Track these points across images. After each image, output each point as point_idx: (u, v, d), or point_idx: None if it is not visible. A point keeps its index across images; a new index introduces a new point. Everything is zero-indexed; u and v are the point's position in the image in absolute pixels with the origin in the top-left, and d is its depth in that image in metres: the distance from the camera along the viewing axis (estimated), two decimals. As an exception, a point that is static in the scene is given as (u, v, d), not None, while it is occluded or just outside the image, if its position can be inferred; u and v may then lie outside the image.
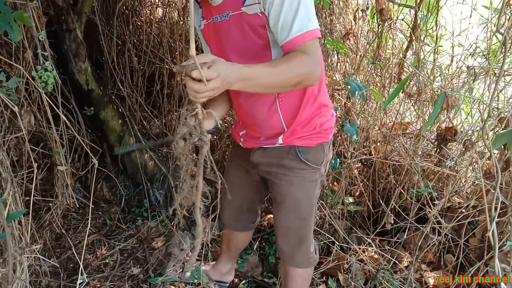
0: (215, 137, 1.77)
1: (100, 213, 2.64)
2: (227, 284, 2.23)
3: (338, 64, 2.81)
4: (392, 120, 2.85)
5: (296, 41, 1.18)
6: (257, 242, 2.53)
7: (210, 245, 2.55)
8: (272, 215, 2.76)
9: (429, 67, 2.44)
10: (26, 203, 1.70)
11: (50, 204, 2.13)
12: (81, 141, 1.50)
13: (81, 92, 2.37)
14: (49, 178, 2.32)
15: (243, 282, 2.27)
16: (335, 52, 2.70)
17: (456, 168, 2.46)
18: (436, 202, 2.02)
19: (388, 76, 2.60)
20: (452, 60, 2.37)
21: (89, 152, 1.46)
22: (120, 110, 2.63)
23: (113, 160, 2.76)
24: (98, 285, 2.08)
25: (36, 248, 1.55)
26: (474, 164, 2.38)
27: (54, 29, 2.08)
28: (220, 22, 1.35)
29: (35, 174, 1.40)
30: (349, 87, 2.29)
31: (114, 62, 2.58)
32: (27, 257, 1.47)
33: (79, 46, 2.15)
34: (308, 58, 1.17)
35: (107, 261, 2.26)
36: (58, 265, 2.01)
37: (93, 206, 2.55)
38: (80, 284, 1.91)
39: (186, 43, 2.64)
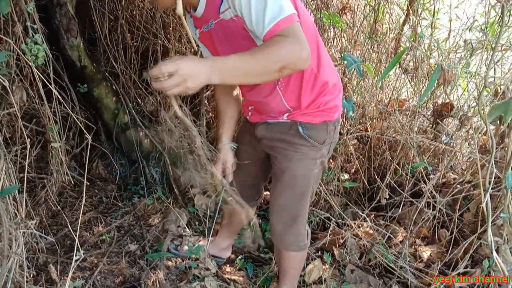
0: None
1: (96, 190, 2.64)
2: (224, 260, 2.25)
3: (335, 39, 2.78)
4: (388, 97, 2.84)
5: (271, 32, 1.15)
6: (254, 218, 2.54)
7: (206, 221, 2.56)
8: (268, 192, 2.77)
9: (426, 41, 2.42)
10: (20, 180, 1.68)
11: (45, 181, 2.12)
12: (75, 118, 1.48)
13: (74, 69, 2.34)
14: (44, 155, 2.31)
15: (239, 257, 2.29)
16: (332, 27, 2.66)
17: (451, 143, 2.46)
18: (432, 176, 2.03)
19: (385, 51, 2.58)
20: (449, 34, 2.34)
21: (83, 129, 1.45)
22: (114, 87, 2.61)
23: (108, 138, 2.75)
24: (95, 261, 2.09)
25: (31, 224, 1.55)
26: (470, 139, 2.38)
27: (44, 3, 2.04)
28: (209, 31, 1.41)
29: (28, 150, 1.39)
30: (345, 62, 2.27)
31: (107, 38, 2.54)
32: (23, 232, 1.47)
33: (70, 21, 2.10)
34: (287, 40, 1.12)
35: (104, 237, 2.27)
36: (55, 242, 2.01)
37: (89, 184, 2.55)
38: (77, 260, 1.93)
39: (179, 18, 2.59)
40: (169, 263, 2.16)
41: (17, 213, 1.51)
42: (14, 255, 1.37)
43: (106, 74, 2.58)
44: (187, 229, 2.40)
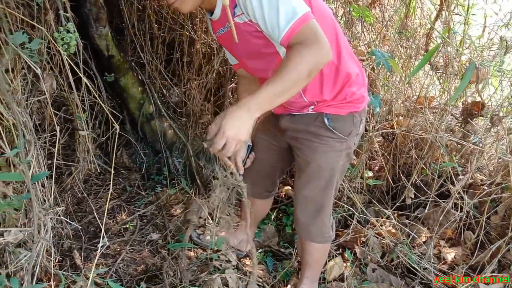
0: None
1: (120, 179, 2.67)
2: (244, 253, 2.26)
3: (363, 33, 2.73)
4: (415, 94, 2.77)
5: (288, 36, 1.18)
6: (274, 213, 2.53)
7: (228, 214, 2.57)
8: (289, 187, 2.76)
9: (458, 38, 2.34)
10: (48, 167, 1.72)
11: (72, 168, 2.16)
12: (103, 106, 1.50)
13: (101, 58, 2.36)
14: (71, 143, 2.35)
15: (259, 251, 2.29)
16: (360, 21, 2.62)
17: (480, 144, 2.39)
18: (461, 177, 1.97)
19: (415, 47, 2.51)
20: (483, 31, 2.27)
21: (111, 118, 1.46)
22: (140, 77, 2.62)
23: (133, 127, 2.78)
24: (118, 249, 2.13)
25: (59, 210, 1.58)
26: (501, 140, 2.31)
27: (75, -8, 2.05)
28: (226, 33, 1.44)
29: (58, 137, 1.41)
30: (373, 57, 2.23)
31: (135, 28, 2.55)
32: (51, 218, 1.50)
33: (99, 10, 2.12)
34: (305, 45, 1.16)
35: (127, 226, 2.30)
36: (81, 227, 2.05)
37: (113, 172, 2.58)
38: (101, 246, 1.96)
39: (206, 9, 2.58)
40: (191, 253, 2.17)
41: (45, 199, 1.54)
42: (42, 240, 1.39)
43: (133, 64, 2.60)
44: (209, 219, 2.41)
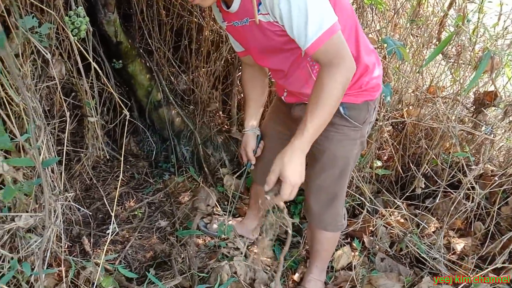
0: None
1: (128, 166, 2.67)
2: (252, 241, 2.26)
3: (373, 21, 2.68)
4: (426, 83, 2.74)
5: (314, 47, 1.21)
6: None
7: (235, 201, 2.57)
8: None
9: (471, 27, 2.30)
10: (57, 153, 1.71)
11: (81, 154, 2.16)
12: (113, 93, 1.48)
13: (109, 44, 2.34)
14: (79, 130, 2.35)
15: (267, 239, 2.28)
16: (371, 8, 2.57)
17: (492, 134, 2.36)
18: (473, 167, 1.95)
19: (427, 35, 2.47)
20: (499, 19, 2.22)
21: (120, 104, 1.45)
22: (148, 64, 2.60)
23: (140, 115, 2.77)
24: (127, 236, 2.13)
25: (69, 196, 1.58)
26: (513, 130, 2.28)
27: (83, -23, 2.03)
28: (241, 26, 1.42)
29: (67, 123, 1.40)
30: (385, 45, 2.19)
31: (143, 14, 2.52)
32: (61, 204, 1.50)
33: (108, -4, 2.09)
34: (334, 68, 1.21)
35: (135, 213, 2.30)
36: (90, 213, 2.05)
37: (122, 159, 2.58)
38: (111, 233, 1.97)
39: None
40: (199, 241, 2.18)
41: (55, 185, 1.54)
42: (53, 226, 1.39)
43: (141, 50, 2.57)
44: (218, 207, 2.41)
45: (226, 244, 2.16)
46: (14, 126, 1.37)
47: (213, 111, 2.91)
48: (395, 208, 2.31)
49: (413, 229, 2.15)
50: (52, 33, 1.65)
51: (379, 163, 2.56)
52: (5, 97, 1.42)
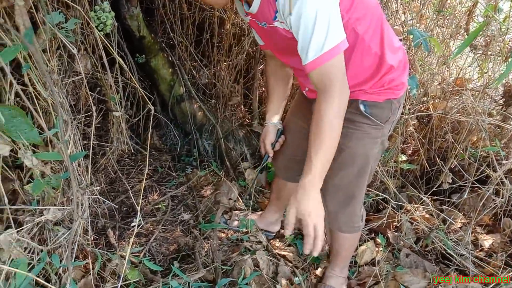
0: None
1: (151, 160, 2.69)
2: (274, 234, 2.25)
3: (398, 12, 2.62)
4: (452, 75, 2.67)
5: (311, 67, 1.22)
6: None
7: (257, 196, 2.57)
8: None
9: (501, 16, 2.22)
10: (84, 147, 1.74)
11: (106, 148, 2.19)
12: (137, 88, 1.49)
13: (132, 39, 2.35)
14: (104, 124, 2.38)
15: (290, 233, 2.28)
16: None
17: (523, 128, 2.29)
18: (504, 162, 1.89)
19: (454, 26, 2.40)
20: (531, 8, 2.13)
21: (146, 99, 1.46)
22: (170, 58, 2.61)
23: (163, 109, 2.79)
24: (151, 228, 2.16)
25: (95, 190, 1.60)
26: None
27: (107, -28, 2.04)
28: (261, 27, 1.42)
29: (94, 118, 1.41)
30: (411, 36, 2.14)
31: (165, 8, 2.53)
32: (88, 197, 1.53)
33: (131, -10, 2.10)
34: (327, 99, 1.22)
35: (159, 206, 2.32)
36: (115, 207, 2.09)
37: (146, 153, 2.61)
38: (135, 226, 1.99)
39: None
40: (222, 234, 2.19)
41: (82, 178, 1.56)
42: (80, 219, 1.42)
43: (163, 45, 2.58)
44: (239, 201, 2.42)
45: (249, 238, 2.16)
46: (42, 121, 1.39)
47: (234, 105, 2.91)
48: (420, 204, 2.27)
49: (440, 225, 2.10)
50: (78, 28, 1.67)
51: (403, 157, 2.51)
52: (33, 92, 1.45)
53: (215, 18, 2.61)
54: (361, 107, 1.47)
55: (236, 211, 2.35)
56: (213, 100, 2.88)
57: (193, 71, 2.80)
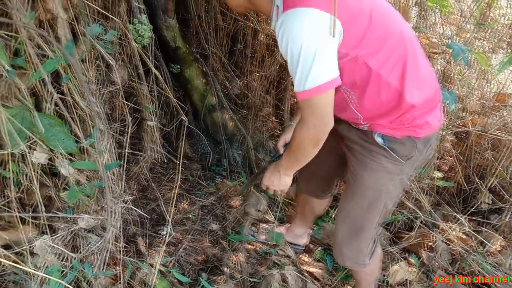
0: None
1: (182, 169, 2.71)
2: (302, 247, 2.22)
3: (436, 25, 2.55)
4: (492, 90, 2.56)
5: (298, 98, 1.23)
6: (334, 211, 2.46)
7: (286, 208, 2.54)
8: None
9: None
10: (118, 155, 1.76)
11: (140, 157, 2.21)
12: (171, 98, 1.51)
13: (167, 49, 2.39)
14: (137, 132, 2.41)
15: (318, 248, 2.24)
16: (433, 11, 2.44)
17: None
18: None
19: (496, 39, 2.32)
20: None
21: (179, 109, 1.47)
22: (204, 69, 2.64)
23: (195, 118, 2.81)
24: (180, 238, 2.16)
25: (129, 199, 1.62)
26: None
27: (145, -16, 2.08)
28: None
29: (129, 127, 1.43)
30: (450, 50, 2.08)
31: (201, 19, 2.56)
32: (121, 206, 1.54)
33: (168, 2, 2.14)
34: (303, 126, 1.27)
35: (188, 215, 2.33)
36: (145, 215, 2.10)
37: (177, 162, 2.62)
38: (165, 235, 2.00)
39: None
40: (250, 246, 2.17)
41: (115, 187, 1.58)
42: (112, 228, 1.43)
43: (197, 55, 2.61)
44: (268, 213, 2.40)
45: (277, 252, 2.14)
46: (79, 130, 1.42)
47: (265, 116, 2.91)
48: (456, 223, 2.18)
49: (477, 247, 2.01)
50: (116, 39, 1.70)
51: (439, 174, 2.42)
52: (71, 102, 1.48)
53: (249, 29, 2.62)
54: (378, 139, 1.38)
55: (264, 224, 2.33)
56: (245, 111, 2.89)
57: (226, 82, 2.82)
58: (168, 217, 1.52)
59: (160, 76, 1.53)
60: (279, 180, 1.53)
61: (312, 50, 1.12)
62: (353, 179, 1.51)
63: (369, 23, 1.20)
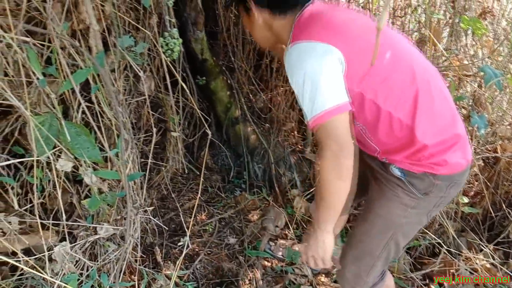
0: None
1: (202, 179, 2.71)
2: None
3: (468, 46, 2.49)
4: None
5: (311, 127, 1.19)
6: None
7: (304, 226, 2.50)
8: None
9: None
10: (141, 165, 1.77)
11: (162, 167, 2.23)
12: (196, 110, 1.51)
13: (195, 61, 2.41)
14: (160, 142, 2.43)
15: (336, 269, 2.19)
16: (465, 33, 2.39)
17: None
18: None
19: (531, 64, 2.25)
20: None
21: (203, 121, 1.47)
22: (229, 81, 2.64)
23: (217, 129, 2.81)
24: (197, 249, 2.16)
25: (149, 210, 1.62)
26: None
27: (176, -4, 2.11)
28: None
29: (153, 138, 1.44)
30: (482, 73, 2.02)
31: (229, 32, 2.57)
32: (140, 217, 1.55)
33: (198, 15, 2.16)
34: (320, 158, 1.21)
35: (206, 227, 2.32)
36: (166, 228, 2.11)
37: (197, 173, 2.63)
38: (181, 245, 2.00)
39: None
40: (266, 263, 2.14)
41: (137, 197, 1.59)
42: (131, 238, 1.43)
43: (223, 68, 2.62)
44: (289, 229, 2.37)
45: (293, 270, 2.10)
46: (104, 139, 1.44)
47: (288, 131, 2.89)
48: (481, 252, 2.10)
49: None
50: (145, 50, 1.73)
51: (465, 200, 2.35)
52: (98, 110, 1.50)
53: (276, 43, 2.62)
54: (396, 172, 1.34)
55: (282, 241, 2.30)
56: (267, 125, 2.87)
57: (250, 95, 2.82)
58: (186, 229, 1.51)
59: (186, 88, 1.53)
60: (318, 243, 1.33)
61: (315, 78, 1.12)
62: (368, 204, 1.48)
63: (376, 59, 1.18)
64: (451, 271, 2.10)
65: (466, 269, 2.02)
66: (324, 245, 1.32)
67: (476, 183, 2.51)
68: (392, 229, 1.40)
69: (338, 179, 1.21)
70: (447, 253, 2.10)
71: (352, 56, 1.16)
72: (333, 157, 1.18)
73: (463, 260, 2.06)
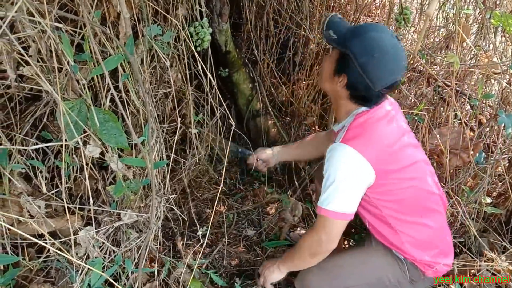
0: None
1: (221, 171, 2.73)
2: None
3: (495, 43, 2.44)
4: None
5: (317, 210, 1.44)
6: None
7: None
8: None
9: None
10: (165, 154, 1.79)
11: (183, 160, 2.24)
12: (222, 102, 1.51)
13: (218, 53, 2.41)
14: (183, 133, 2.44)
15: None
16: (498, 30, 2.33)
17: None
18: None
19: None
20: None
21: (227, 113, 1.47)
22: (251, 74, 2.64)
23: (238, 121, 2.82)
24: (215, 240, 2.17)
25: (172, 198, 1.64)
26: None
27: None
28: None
29: (178, 128, 1.45)
30: (511, 71, 1.98)
31: (252, 24, 2.57)
32: (163, 205, 1.56)
33: (223, 6, 2.15)
34: (310, 236, 1.50)
35: (225, 219, 2.34)
36: (185, 219, 2.13)
37: (220, 165, 2.65)
38: (201, 235, 2.02)
39: (326, 9, 2.52)
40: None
41: (160, 186, 1.61)
42: (154, 226, 1.45)
43: (246, 60, 2.62)
44: (306, 222, 2.37)
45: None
46: (130, 127, 1.45)
47: (309, 125, 2.88)
48: (503, 253, 2.06)
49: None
50: (171, 41, 1.73)
51: (488, 200, 2.30)
52: (125, 99, 1.52)
53: (300, 36, 2.60)
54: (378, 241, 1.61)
55: (302, 231, 2.31)
56: (288, 118, 2.87)
57: (272, 88, 2.81)
58: (206, 219, 1.53)
59: (212, 79, 1.54)
60: (271, 269, 1.65)
61: (342, 183, 1.36)
62: (364, 243, 1.70)
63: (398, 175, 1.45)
64: (472, 271, 2.07)
65: (488, 270, 1.98)
66: (271, 274, 1.65)
67: (500, 183, 2.47)
68: (371, 280, 1.59)
69: (312, 257, 1.49)
70: (468, 252, 2.06)
71: (381, 178, 1.40)
72: (318, 241, 1.45)
73: (484, 261, 2.02)
